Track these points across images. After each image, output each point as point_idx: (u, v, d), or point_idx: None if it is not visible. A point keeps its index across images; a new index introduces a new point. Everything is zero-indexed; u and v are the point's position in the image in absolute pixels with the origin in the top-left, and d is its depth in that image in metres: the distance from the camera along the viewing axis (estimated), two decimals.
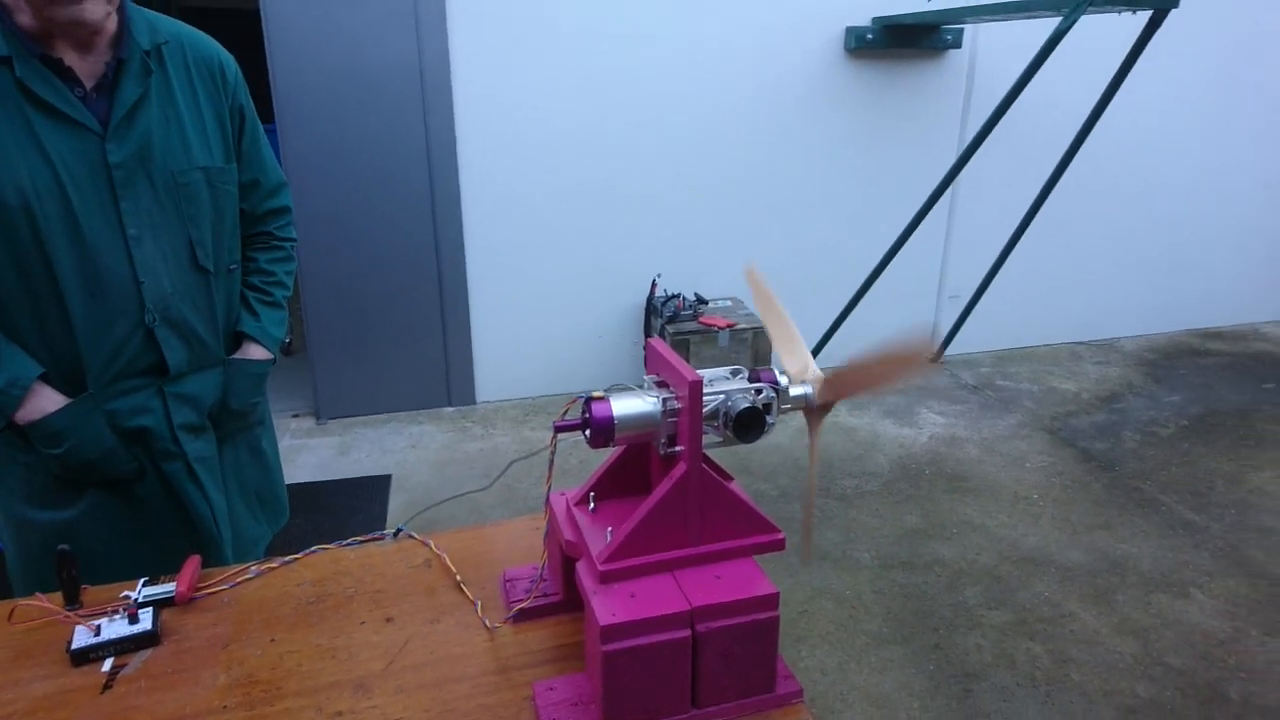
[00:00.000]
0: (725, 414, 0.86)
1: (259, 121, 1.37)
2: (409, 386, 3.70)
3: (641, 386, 0.87)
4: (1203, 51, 4.14)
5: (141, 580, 1.04)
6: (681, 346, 3.36)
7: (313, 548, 1.15)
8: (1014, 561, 2.54)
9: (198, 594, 1.03)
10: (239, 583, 1.07)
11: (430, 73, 3.29)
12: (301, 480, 3.10)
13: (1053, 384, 4.01)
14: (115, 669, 0.91)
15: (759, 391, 0.87)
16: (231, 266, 1.35)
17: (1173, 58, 3.93)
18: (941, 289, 4.31)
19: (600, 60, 3.43)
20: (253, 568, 1.09)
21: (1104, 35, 3.43)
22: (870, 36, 3.63)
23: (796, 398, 0.91)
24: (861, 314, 3.58)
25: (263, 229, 1.42)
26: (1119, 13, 2.73)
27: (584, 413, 0.85)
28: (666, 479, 0.83)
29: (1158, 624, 2.24)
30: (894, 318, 4.24)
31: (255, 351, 1.37)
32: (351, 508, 2.96)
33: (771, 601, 0.82)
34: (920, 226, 3.52)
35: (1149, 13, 2.74)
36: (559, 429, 0.85)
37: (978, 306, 4.07)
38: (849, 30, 3.66)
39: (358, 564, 1.12)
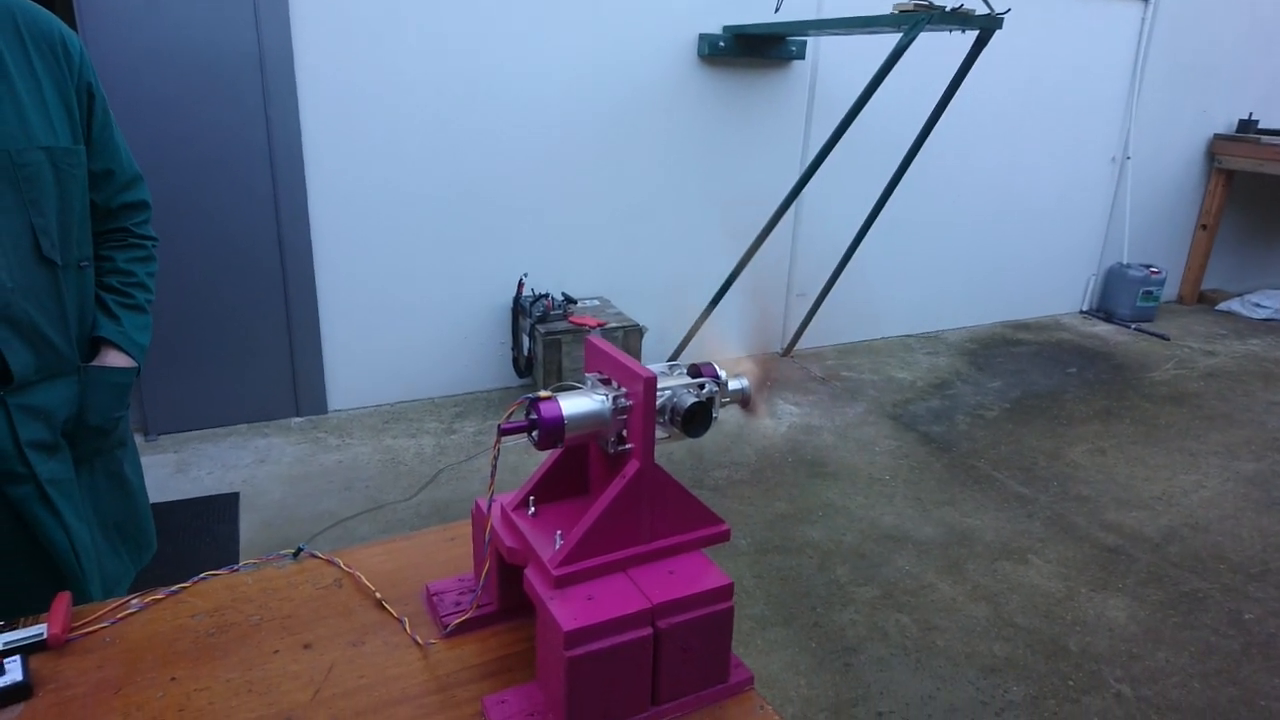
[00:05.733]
0: (672, 410, 0.85)
1: (109, 106, 1.23)
2: (252, 396, 3.44)
3: (587, 385, 0.85)
4: (1004, 71, 4.57)
5: None
6: (554, 347, 3.33)
7: (202, 574, 1.04)
8: (875, 539, 2.71)
9: (72, 635, 0.91)
10: (120, 619, 0.95)
11: (271, 58, 3.07)
12: None
13: (891, 374, 4.31)
14: None
15: (702, 387, 0.88)
16: (83, 263, 1.19)
17: (980, 75, 4.33)
18: (790, 288, 4.52)
19: (455, 57, 3.34)
20: (134, 601, 0.98)
21: (928, 51, 3.73)
22: (722, 44, 3.75)
23: (735, 391, 0.92)
24: (720, 311, 3.70)
25: (118, 225, 1.27)
26: (950, 31, 2.98)
27: (529, 414, 0.82)
28: (619, 478, 0.82)
29: (1004, 589, 2.47)
30: (749, 315, 4.41)
31: (116, 358, 1.23)
32: (197, 529, 2.71)
33: (726, 592, 0.82)
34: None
35: (976, 32, 3.01)
36: (505, 432, 0.82)
37: (822, 304, 4.32)
38: (702, 37, 3.76)
39: (257, 589, 1.03)
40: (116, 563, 1.29)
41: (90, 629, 0.93)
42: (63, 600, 0.94)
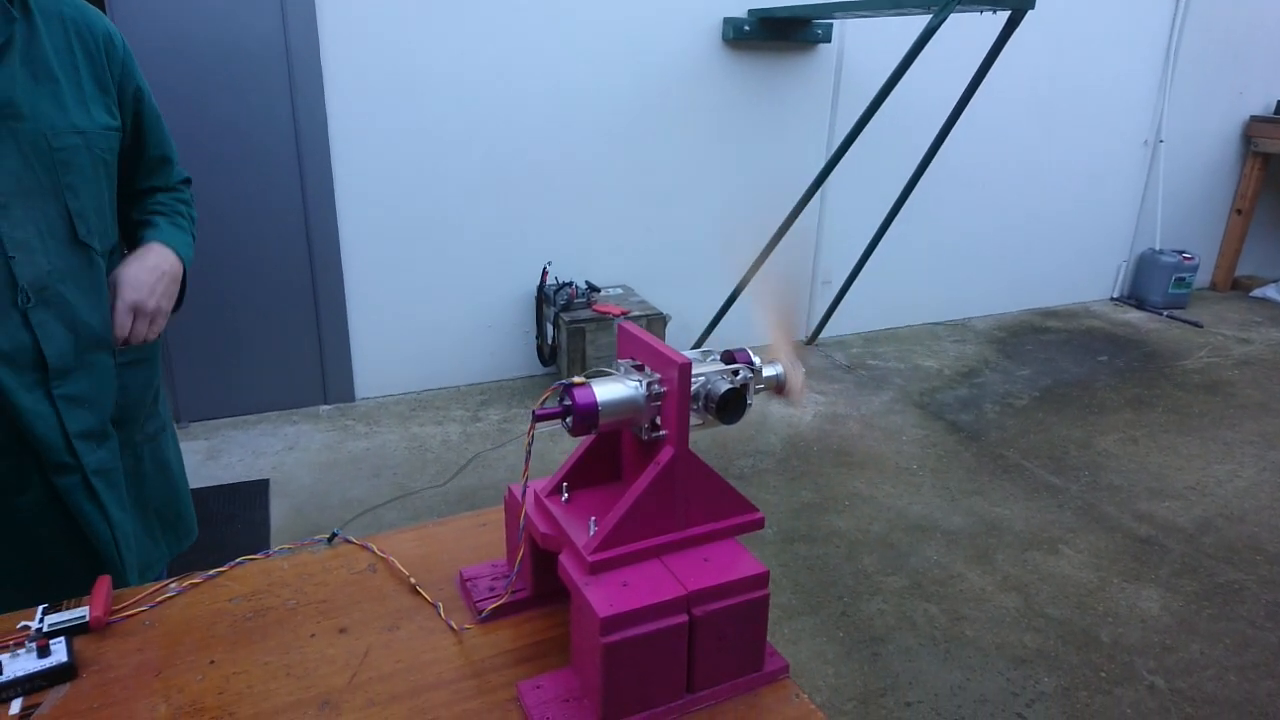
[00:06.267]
0: (706, 396, 0.85)
1: (151, 94, 1.26)
2: (280, 384, 3.48)
3: (619, 371, 0.85)
4: (1033, 52, 4.48)
5: (40, 607, 0.91)
6: (578, 335, 3.33)
7: (238, 559, 1.05)
8: (903, 529, 2.69)
9: (113, 618, 0.93)
10: (159, 602, 0.96)
11: (297, 47, 3.08)
12: None
13: (917, 362, 4.27)
14: (26, 711, 0.80)
15: (736, 373, 0.87)
16: (112, 249, 1.21)
17: (1008, 58, 4.25)
18: (815, 275, 4.49)
19: (480, 45, 3.33)
20: (173, 585, 0.99)
21: (955, 34, 3.66)
22: (747, 28, 3.72)
23: (769, 377, 0.91)
24: (744, 299, 3.67)
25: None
26: (980, 12, 2.92)
27: (563, 400, 0.82)
28: (653, 464, 0.81)
29: (1035, 579, 2.44)
30: (773, 302, 4.38)
31: (158, 254, 1.22)
32: (228, 516, 2.75)
33: (762, 580, 0.82)
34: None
35: (1008, 12, 2.95)
36: (539, 418, 0.81)
37: (848, 291, 4.28)
38: (727, 21, 3.73)
39: (293, 574, 1.04)
40: (152, 549, 1.30)
41: (130, 612, 0.94)
42: (104, 583, 0.95)
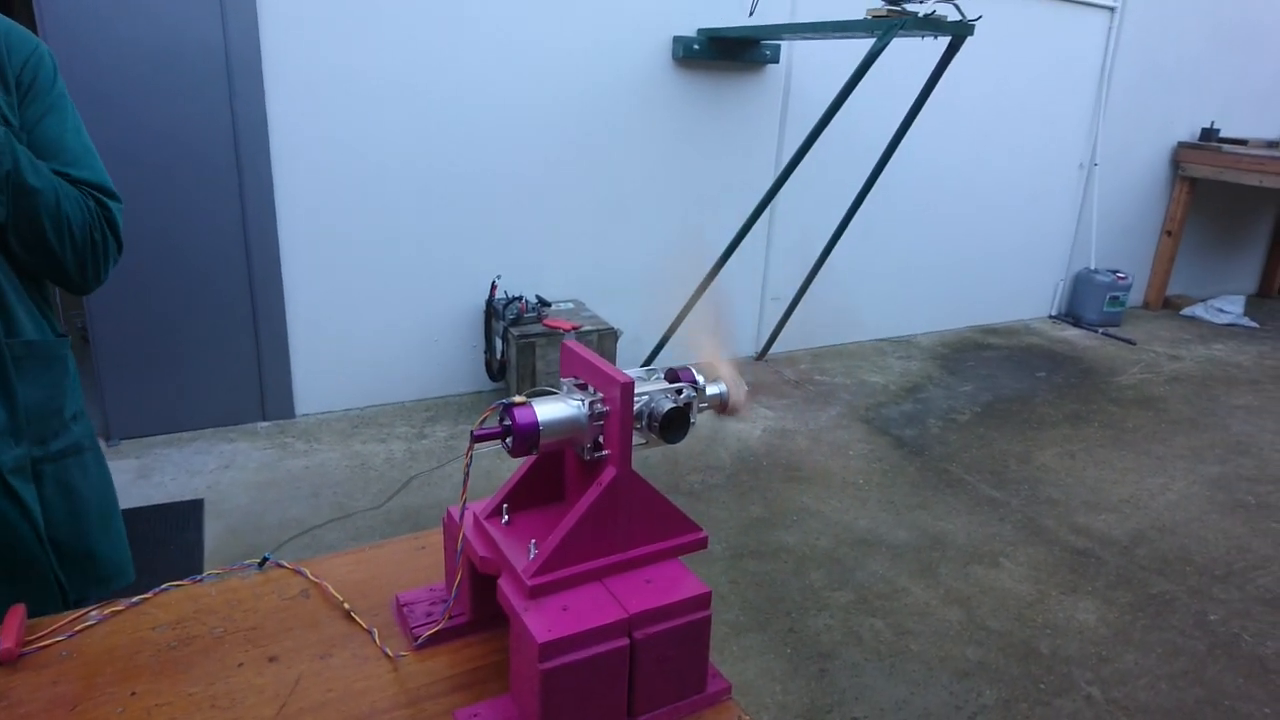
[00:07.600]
0: (650, 415, 0.84)
1: (68, 105, 1.18)
2: (216, 400, 3.37)
3: (562, 390, 0.84)
4: (974, 78, 4.62)
5: None
6: (528, 350, 3.30)
7: (163, 585, 1.01)
8: (849, 544, 2.72)
9: (26, 650, 0.88)
10: (78, 632, 0.92)
11: (237, 51, 3.01)
12: None
13: (864, 378, 4.33)
14: None
15: (680, 392, 0.87)
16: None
17: (950, 82, 4.37)
18: (764, 292, 4.53)
19: (429, 57, 3.30)
20: (93, 613, 0.94)
21: (899, 58, 3.75)
22: (697, 47, 3.75)
23: (713, 396, 0.91)
24: (695, 315, 3.69)
25: None
26: (922, 37, 3.00)
27: (503, 420, 0.80)
28: (595, 485, 0.80)
29: (977, 592, 2.48)
30: (724, 319, 4.41)
31: None
32: (161, 538, 2.65)
33: (704, 601, 0.81)
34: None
35: (948, 38, 3.04)
36: (478, 438, 0.80)
37: (796, 308, 4.33)
38: (676, 40, 3.76)
39: (221, 600, 0.99)
40: None
41: (46, 643, 0.89)
42: (16, 613, 0.90)
